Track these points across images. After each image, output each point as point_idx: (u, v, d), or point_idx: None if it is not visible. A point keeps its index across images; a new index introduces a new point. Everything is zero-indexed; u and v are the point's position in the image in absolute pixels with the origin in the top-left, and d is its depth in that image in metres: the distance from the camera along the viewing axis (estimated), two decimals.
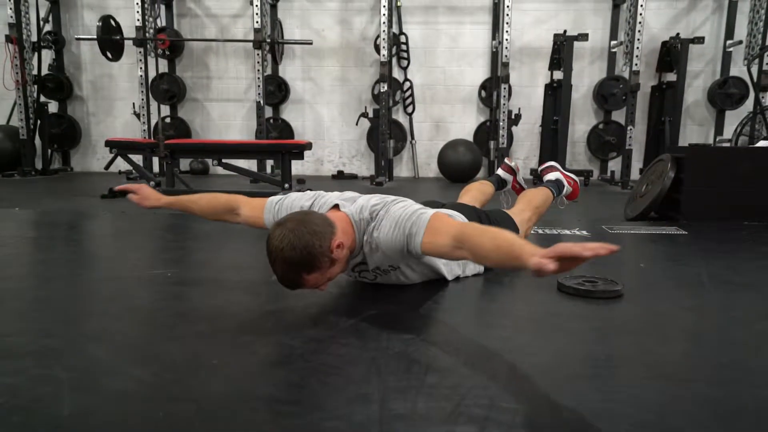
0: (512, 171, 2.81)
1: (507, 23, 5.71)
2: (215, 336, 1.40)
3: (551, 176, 2.64)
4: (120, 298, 1.72)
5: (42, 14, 6.35)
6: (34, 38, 6.21)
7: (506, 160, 2.85)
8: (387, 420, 0.96)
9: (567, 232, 2.85)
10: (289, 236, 1.40)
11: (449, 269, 1.83)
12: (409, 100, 6.71)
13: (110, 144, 4.66)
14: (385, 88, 5.84)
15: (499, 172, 2.82)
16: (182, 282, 1.90)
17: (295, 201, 1.72)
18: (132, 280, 1.93)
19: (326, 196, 1.70)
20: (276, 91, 6.66)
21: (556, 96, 6.03)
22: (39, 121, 6.23)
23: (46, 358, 1.24)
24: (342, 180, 6.46)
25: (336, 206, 1.62)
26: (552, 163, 2.79)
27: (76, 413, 1.00)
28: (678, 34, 5.93)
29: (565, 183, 2.62)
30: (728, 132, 6.24)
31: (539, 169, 2.85)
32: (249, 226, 1.84)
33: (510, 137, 6.25)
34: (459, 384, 1.11)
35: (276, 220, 1.57)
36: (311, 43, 6.18)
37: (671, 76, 6.04)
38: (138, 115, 6.19)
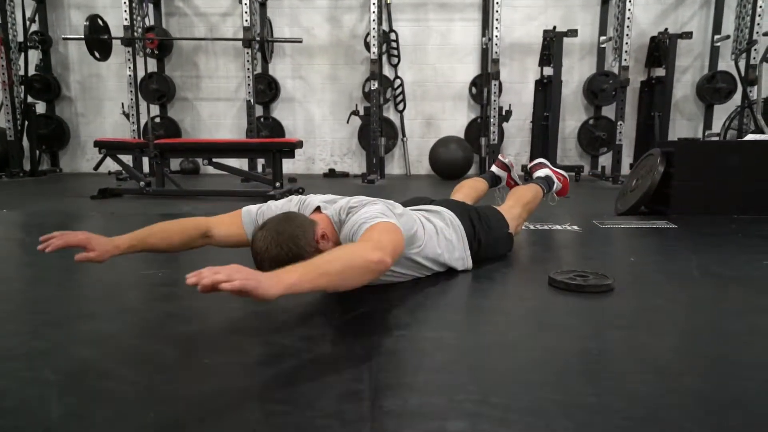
0: (507, 168, 2.81)
1: (497, 20, 5.72)
2: (206, 336, 1.39)
3: (540, 173, 2.66)
4: (110, 300, 1.71)
5: (28, 14, 6.29)
6: (21, 38, 6.15)
7: (500, 156, 2.85)
8: (379, 417, 0.96)
9: (558, 227, 2.86)
10: (273, 234, 1.40)
11: (441, 263, 1.81)
12: (399, 98, 6.71)
13: (99, 144, 4.63)
14: (376, 85, 5.83)
15: (493, 168, 2.83)
16: (172, 282, 1.89)
17: (280, 207, 1.69)
18: (122, 281, 1.91)
19: (309, 199, 1.71)
20: (266, 89, 6.63)
21: (547, 92, 6.05)
22: (27, 122, 6.17)
23: (35, 360, 1.23)
24: (333, 178, 6.44)
25: (318, 208, 1.64)
26: (541, 160, 2.80)
27: (66, 416, 0.99)
28: (666, 29, 5.97)
29: (555, 179, 2.63)
30: (717, 126, 6.29)
31: (528, 166, 2.85)
32: (227, 247, 1.69)
33: (501, 134, 6.26)
34: (450, 380, 1.11)
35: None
36: (301, 41, 6.16)
37: (660, 71, 6.07)
38: (127, 115, 6.15)
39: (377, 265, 1.27)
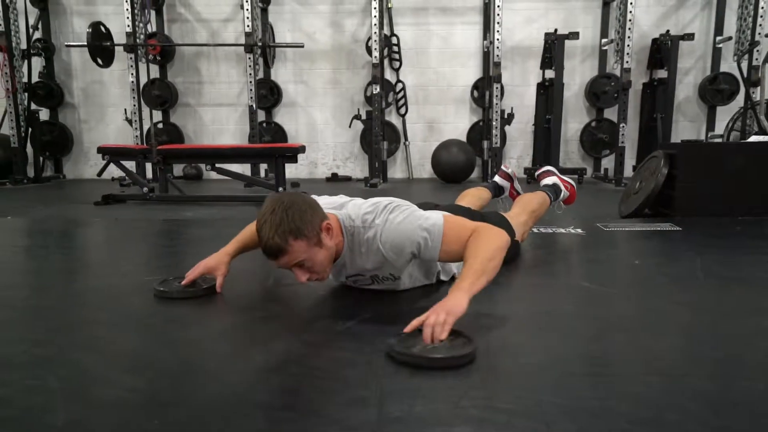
0: (509, 178, 2.80)
1: (498, 23, 5.72)
2: (209, 342, 1.39)
3: (548, 181, 2.64)
4: (113, 306, 1.71)
5: (31, 22, 6.32)
6: (24, 46, 6.18)
7: (503, 166, 2.84)
8: (384, 423, 0.96)
9: (562, 230, 2.85)
10: (283, 199, 1.43)
11: (447, 270, 1.83)
12: (401, 102, 6.71)
13: (103, 151, 4.64)
14: (378, 89, 5.84)
15: (496, 179, 2.81)
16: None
17: None
18: (125, 287, 1.91)
19: (319, 200, 1.69)
20: (268, 94, 6.64)
21: (548, 95, 6.05)
22: (30, 129, 6.20)
23: (38, 367, 1.23)
24: (336, 182, 6.45)
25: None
26: (549, 167, 2.78)
27: (69, 423, 0.99)
28: (668, 31, 5.96)
29: (563, 187, 2.62)
30: (720, 128, 6.27)
31: (536, 173, 2.84)
32: None
33: (503, 137, 6.26)
34: (455, 385, 1.10)
35: None
36: (303, 46, 6.17)
37: (662, 73, 6.06)
38: (130, 122, 6.17)
39: (506, 242, 1.47)
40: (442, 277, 1.83)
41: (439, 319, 1.23)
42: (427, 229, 1.48)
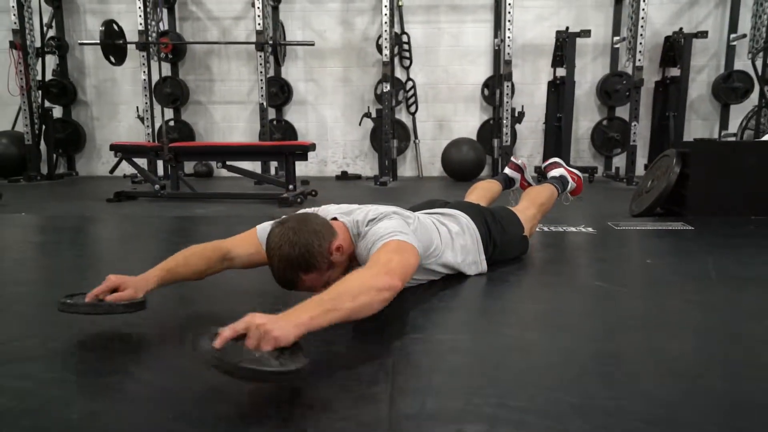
0: (520, 169, 2.80)
1: (509, 21, 5.70)
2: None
3: (555, 173, 2.64)
4: None
5: (45, 20, 6.38)
6: (38, 44, 6.23)
7: (513, 158, 2.84)
8: (396, 420, 0.96)
9: (573, 229, 2.84)
10: (289, 234, 1.39)
11: (447, 264, 1.81)
12: (411, 100, 6.71)
13: (115, 148, 4.67)
14: (388, 88, 5.83)
15: (507, 170, 2.82)
16: (187, 285, 1.90)
17: None
18: None
19: (325, 209, 1.69)
20: (279, 92, 6.66)
21: (559, 93, 6.01)
22: (44, 127, 6.25)
23: (54, 361, 1.24)
24: (346, 180, 6.45)
25: (335, 218, 1.61)
26: (555, 159, 2.78)
27: (85, 416, 1.00)
28: (681, 28, 5.90)
29: (569, 179, 2.62)
30: (733, 126, 6.21)
31: (543, 165, 2.84)
32: (249, 267, 1.65)
33: (513, 135, 6.23)
34: (467, 383, 1.10)
35: None
36: (313, 44, 6.18)
37: (675, 71, 6.01)
38: (142, 119, 6.21)
39: (387, 293, 1.27)
40: (450, 272, 1.82)
41: (256, 333, 1.01)
42: (382, 237, 1.44)
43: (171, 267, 1.51)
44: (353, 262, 1.55)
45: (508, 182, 2.79)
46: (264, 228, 1.62)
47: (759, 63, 5.47)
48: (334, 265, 1.46)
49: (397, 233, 1.46)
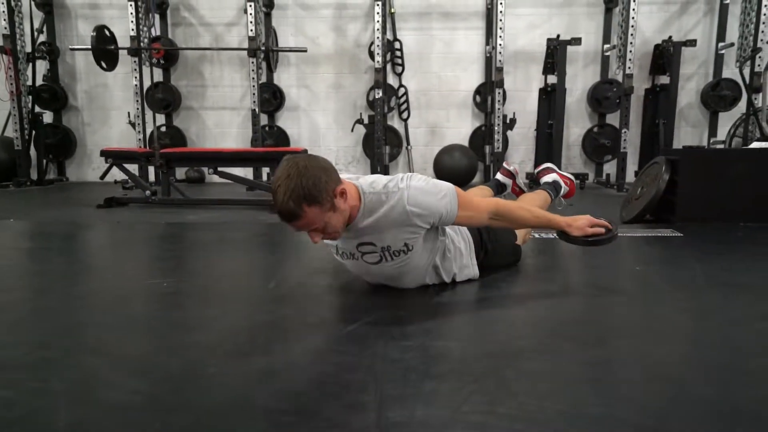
0: (511, 175, 2.81)
1: (500, 28, 5.73)
2: (212, 346, 1.39)
3: (548, 178, 2.65)
4: (116, 309, 1.71)
5: (36, 25, 6.35)
6: (29, 49, 6.20)
7: (505, 164, 2.85)
8: (385, 427, 0.96)
9: None
10: (298, 165, 1.42)
11: (448, 270, 1.83)
12: (404, 106, 6.73)
13: (106, 154, 4.65)
14: (380, 94, 5.85)
15: (498, 176, 2.82)
16: (178, 291, 1.90)
17: None
18: (128, 291, 1.92)
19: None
20: (271, 98, 6.66)
21: (551, 100, 6.05)
22: (34, 132, 6.22)
23: (41, 370, 1.23)
24: None
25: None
26: (548, 164, 2.80)
27: (72, 425, 0.99)
28: (670, 37, 5.97)
29: (562, 183, 2.63)
30: (722, 133, 6.27)
31: (535, 171, 2.85)
32: None
33: (505, 141, 6.26)
34: (457, 390, 1.10)
35: None
36: (306, 51, 6.19)
37: (664, 79, 6.07)
38: (133, 125, 6.18)
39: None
40: (445, 278, 1.83)
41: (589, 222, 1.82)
42: (446, 194, 1.60)
43: None
44: (358, 220, 1.58)
45: (499, 188, 2.80)
46: None
47: (747, 71, 5.53)
48: (336, 209, 1.47)
49: (440, 184, 1.63)
